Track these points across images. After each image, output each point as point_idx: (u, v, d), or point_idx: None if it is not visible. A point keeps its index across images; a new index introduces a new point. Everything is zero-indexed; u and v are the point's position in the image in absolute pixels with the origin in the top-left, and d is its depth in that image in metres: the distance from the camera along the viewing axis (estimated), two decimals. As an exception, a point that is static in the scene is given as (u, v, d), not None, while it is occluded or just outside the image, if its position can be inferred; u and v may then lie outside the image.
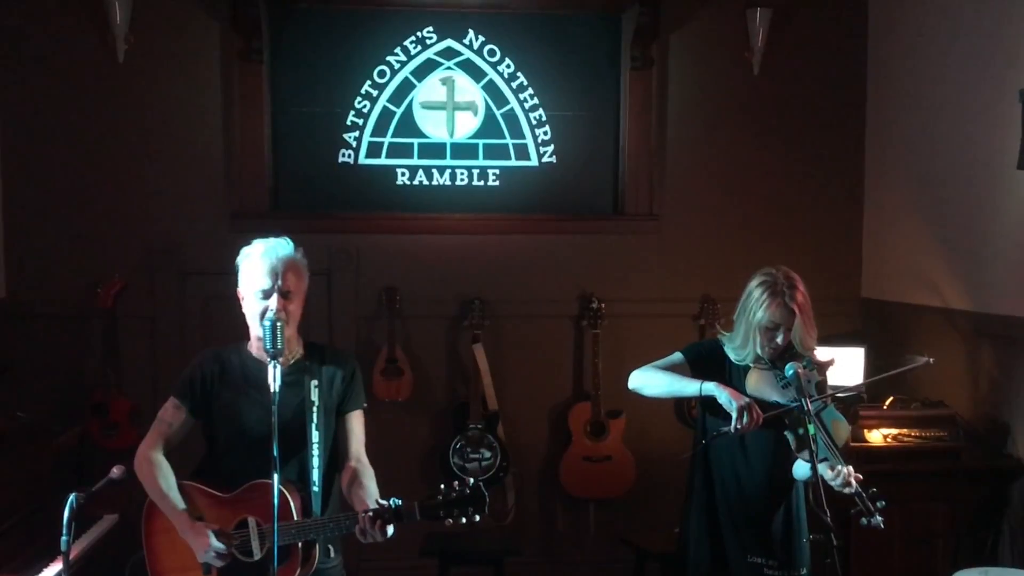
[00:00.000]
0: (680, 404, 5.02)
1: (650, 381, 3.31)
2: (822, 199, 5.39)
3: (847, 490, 2.96)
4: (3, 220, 4.90)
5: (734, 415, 3.06)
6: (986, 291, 4.40)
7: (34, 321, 4.93)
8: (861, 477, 2.98)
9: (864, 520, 2.90)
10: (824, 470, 3.02)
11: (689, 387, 3.21)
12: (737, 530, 3.31)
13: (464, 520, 2.81)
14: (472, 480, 2.84)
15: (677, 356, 3.37)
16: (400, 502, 2.82)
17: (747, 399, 3.10)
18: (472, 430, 5.00)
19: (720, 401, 3.12)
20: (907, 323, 4.97)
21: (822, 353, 3.31)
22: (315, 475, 3.00)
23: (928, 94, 4.83)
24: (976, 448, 4.36)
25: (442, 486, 2.84)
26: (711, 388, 3.15)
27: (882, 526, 2.87)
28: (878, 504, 2.90)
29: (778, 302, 3.15)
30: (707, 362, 3.33)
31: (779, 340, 3.19)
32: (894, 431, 4.36)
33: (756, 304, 3.19)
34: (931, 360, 3.22)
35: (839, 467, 2.98)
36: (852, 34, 5.35)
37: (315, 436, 3.01)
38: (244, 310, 3.03)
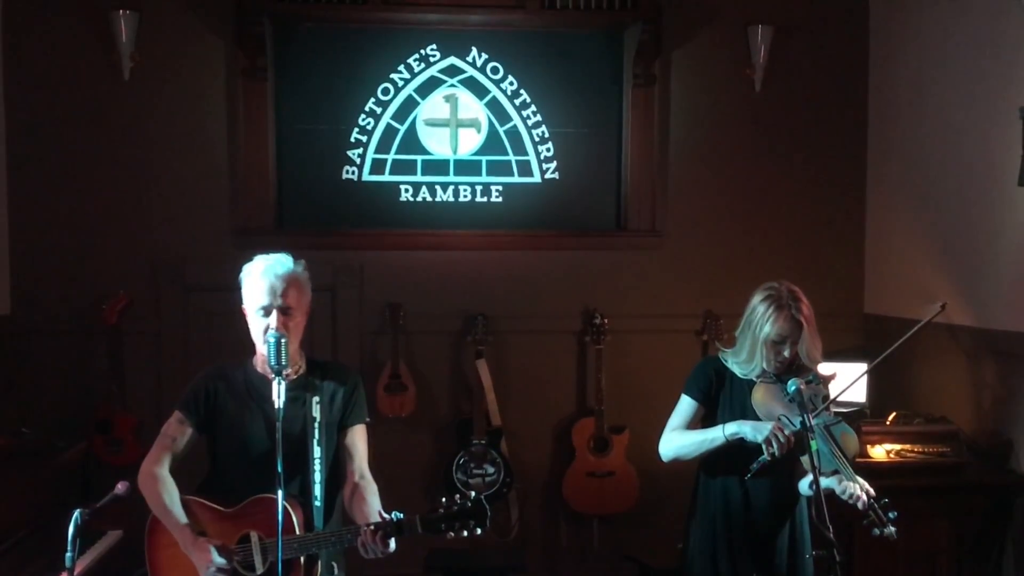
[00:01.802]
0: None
1: (682, 449, 3.31)
2: (824, 215, 5.41)
3: (859, 503, 2.96)
4: (9, 236, 4.92)
5: (764, 445, 3.08)
6: (988, 307, 4.40)
7: (39, 337, 4.95)
8: (872, 491, 2.99)
9: (877, 531, 2.91)
10: (834, 483, 3.03)
11: (717, 439, 3.22)
12: (741, 546, 3.30)
13: (466, 533, 2.83)
14: (474, 494, 2.86)
15: (686, 402, 3.38)
16: (401, 515, 2.83)
17: (770, 425, 3.10)
18: (475, 446, 5.00)
19: (748, 439, 3.14)
20: (909, 338, 4.96)
21: (823, 368, 3.32)
22: (317, 490, 3.01)
23: (929, 110, 4.84)
24: (979, 464, 4.35)
25: (443, 499, 2.86)
26: (733, 430, 3.18)
27: (895, 536, 2.88)
28: (890, 515, 2.90)
29: (785, 315, 3.17)
30: (709, 388, 3.36)
31: (786, 353, 3.21)
32: (897, 447, 4.35)
33: (763, 319, 3.20)
34: (944, 304, 3.20)
35: (848, 480, 2.99)
36: (853, 51, 5.38)
37: (317, 451, 3.02)
38: (249, 326, 3.05)
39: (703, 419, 3.36)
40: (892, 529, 2.90)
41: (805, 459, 3.04)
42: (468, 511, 2.82)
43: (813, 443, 2.95)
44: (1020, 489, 4.20)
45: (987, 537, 4.25)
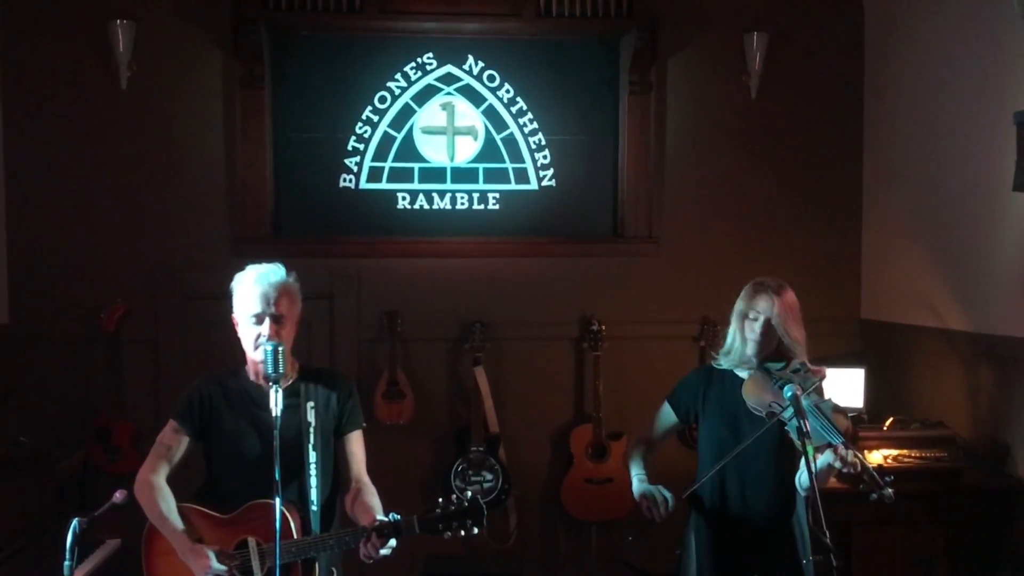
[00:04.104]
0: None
1: (628, 459, 3.54)
2: (821, 220, 5.42)
3: (854, 467, 2.96)
4: (7, 245, 4.93)
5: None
6: (984, 311, 4.41)
7: (37, 346, 4.95)
8: (868, 463, 2.99)
9: (875, 495, 2.89)
10: (828, 457, 3.01)
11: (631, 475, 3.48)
12: (738, 552, 3.31)
13: (463, 533, 2.86)
14: (470, 493, 2.89)
15: (665, 410, 3.52)
16: (399, 516, 2.86)
17: (647, 489, 3.32)
18: (474, 453, 5.00)
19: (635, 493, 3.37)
20: (906, 344, 4.98)
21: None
22: (314, 495, 3.02)
23: (924, 116, 4.86)
24: (976, 469, 4.36)
25: (440, 500, 2.89)
26: (633, 482, 3.43)
27: (893, 499, 2.87)
28: (886, 478, 2.90)
29: (761, 292, 3.26)
30: (692, 402, 3.43)
31: (758, 327, 3.25)
32: (894, 452, 4.36)
33: (741, 299, 3.32)
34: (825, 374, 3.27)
35: (841, 448, 2.98)
36: (849, 57, 5.40)
37: (313, 457, 3.03)
38: (239, 335, 3.07)
39: (696, 423, 3.45)
40: (890, 491, 2.88)
41: (799, 443, 3.05)
42: (465, 511, 2.86)
43: (809, 448, 2.95)
44: (1017, 493, 4.20)
45: (984, 542, 4.25)
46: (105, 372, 4.90)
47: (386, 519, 2.87)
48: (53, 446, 4.44)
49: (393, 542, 2.87)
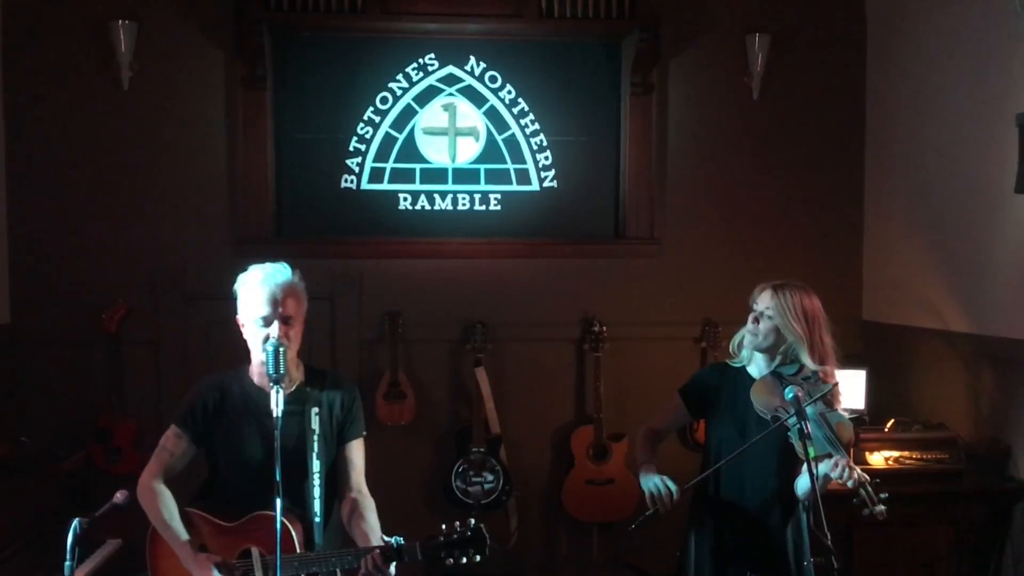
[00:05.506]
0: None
1: (638, 449, 3.53)
2: (822, 222, 5.42)
3: (850, 481, 2.96)
4: (8, 245, 4.93)
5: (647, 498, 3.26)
6: (986, 313, 4.41)
7: (38, 346, 4.94)
8: (866, 477, 2.99)
9: (866, 511, 2.90)
10: (826, 468, 3.02)
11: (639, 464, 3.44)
12: (738, 554, 3.31)
13: (465, 560, 2.84)
14: (473, 521, 2.87)
15: (676, 402, 3.51)
16: (402, 541, 2.83)
17: (655, 482, 3.25)
18: (475, 454, 5.00)
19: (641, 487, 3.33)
20: (908, 345, 4.98)
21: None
22: (316, 505, 3.00)
23: (926, 118, 4.86)
24: (977, 470, 4.36)
25: (443, 526, 2.87)
26: (640, 471, 3.39)
27: (884, 515, 2.88)
28: (881, 496, 2.90)
29: (766, 289, 3.29)
30: (702, 396, 3.44)
31: (751, 320, 3.28)
32: (895, 454, 4.36)
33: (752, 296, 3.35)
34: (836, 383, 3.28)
35: (840, 460, 2.99)
36: (851, 59, 5.39)
37: (316, 465, 3.01)
38: (245, 337, 3.05)
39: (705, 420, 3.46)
40: (882, 507, 2.89)
41: (798, 445, 3.05)
42: (468, 539, 2.85)
43: (811, 449, 2.95)
44: (1018, 495, 4.20)
45: (986, 544, 4.26)
46: (106, 373, 4.90)
47: (390, 542, 2.85)
48: (54, 446, 4.44)
49: (392, 569, 2.86)
